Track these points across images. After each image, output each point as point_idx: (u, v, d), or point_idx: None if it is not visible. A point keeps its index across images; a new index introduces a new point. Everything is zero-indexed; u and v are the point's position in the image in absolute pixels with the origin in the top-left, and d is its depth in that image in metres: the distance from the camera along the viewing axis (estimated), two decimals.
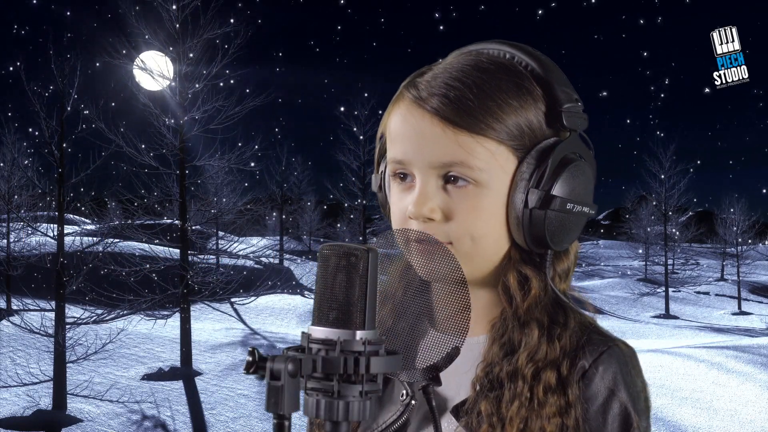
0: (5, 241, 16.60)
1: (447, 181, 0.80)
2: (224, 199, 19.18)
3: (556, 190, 0.79)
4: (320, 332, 0.59)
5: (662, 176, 29.84)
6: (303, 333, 0.61)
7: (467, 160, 0.78)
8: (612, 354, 0.78)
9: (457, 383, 0.83)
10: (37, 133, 12.45)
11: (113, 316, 12.88)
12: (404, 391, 0.85)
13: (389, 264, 0.86)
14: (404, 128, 0.81)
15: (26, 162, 16.67)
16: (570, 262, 0.87)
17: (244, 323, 20.24)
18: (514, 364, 0.78)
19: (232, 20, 14.27)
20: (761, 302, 32.33)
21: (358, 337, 0.59)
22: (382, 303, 0.86)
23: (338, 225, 40.78)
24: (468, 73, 0.79)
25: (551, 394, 0.77)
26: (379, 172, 0.91)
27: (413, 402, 0.83)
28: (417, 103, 0.79)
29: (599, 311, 0.88)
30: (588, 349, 0.78)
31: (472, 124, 0.77)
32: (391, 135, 0.84)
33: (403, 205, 0.82)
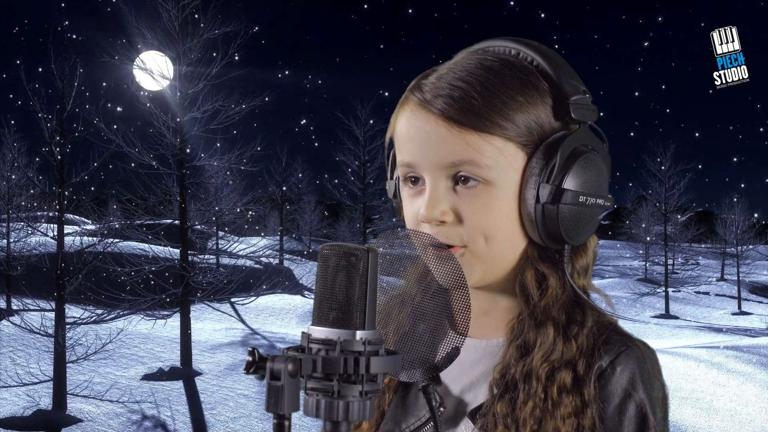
0: (5, 241, 16.60)
1: (456, 182, 0.79)
2: (222, 199, 19.18)
3: (567, 184, 0.78)
4: (320, 332, 0.59)
5: (662, 176, 29.86)
6: (303, 333, 0.61)
7: (475, 159, 0.77)
8: (630, 354, 0.77)
9: (476, 388, 0.83)
10: (37, 133, 12.43)
11: (113, 316, 12.88)
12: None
13: (402, 266, 0.84)
14: (410, 131, 0.81)
15: (26, 162, 16.69)
16: (589, 258, 0.86)
17: (244, 323, 20.24)
18: (529, 365, 0.77)
19: (232, 21, 14.26)
20: (761, 302, 32.33)
21: (358, 337, 0.59)
22: (400, 306, 0.85)
23: (338, 225, 40.78)
24: (472, 72, 0.78)
25: (566, 394, 0.76)
26: (394, 179, 0.89)
27: (442, 409, 0.82)
28: (422, 105, 0.79)
29: (613, 313, 0.87)
30: (606, 349, 0.77)
31: (478, 123, 0.76)
32: (398, 139, 0.83)
33: (414, 209, 0.82)
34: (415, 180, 0.82)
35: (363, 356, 0.58)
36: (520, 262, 0.82)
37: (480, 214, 0.78)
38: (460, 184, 0.79)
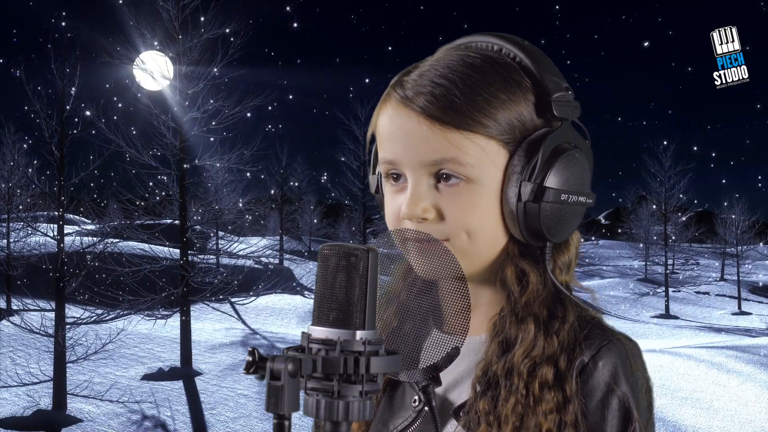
0: (5, 241, 16.60)
1: (438, 180, 0.79)
2: (222, 199, 19.18)
3: (549, 182, 0.78)
4: (320, 332, 0.59)
5: (662, 176, 29.84)
6: (303, 333, 0.61)
7: (457, 157, 0.77)
8: (612, 348, 0.77)
9: (460, 385, 0.83)
10: (37, 133, 12.44)
11: (113, 316, 12.88)
12: (416, 397, 0.85)
13: (392, 264, 0.85)
14: (392, 128, 0.81)
15: (26, 162, 16.69)
16: (571, 254, 0.86)
17: (244, 323, 20.24)
18: (510, 361, 0.77)
19: (232, 21, 14.26)
20: (761, 302, 32.33)
21: (358, 337, 0.59)
22: (386, 304, 0.86)
23: (338, 225, 40.75)
24: (454, 69, 0.79)
25: (548, 390, 0.76)
26: (376, 174, 0.90)
27: (426, 409, 0.82)
28: (404, 103, 0.79)
29: (597, 309, 0.87)
30: (587, 344, 0.77)
31: (460, 121, 0.77)
32: (380, 136, 0.83)
33: (396, 206, 0.82)
34: (397, 177, 0.83)
35: (363, 356, 0.58)
36: (500, 258, 0.82)
37: (462, 212, 0.79)
38: (442, 182, 0.79)
